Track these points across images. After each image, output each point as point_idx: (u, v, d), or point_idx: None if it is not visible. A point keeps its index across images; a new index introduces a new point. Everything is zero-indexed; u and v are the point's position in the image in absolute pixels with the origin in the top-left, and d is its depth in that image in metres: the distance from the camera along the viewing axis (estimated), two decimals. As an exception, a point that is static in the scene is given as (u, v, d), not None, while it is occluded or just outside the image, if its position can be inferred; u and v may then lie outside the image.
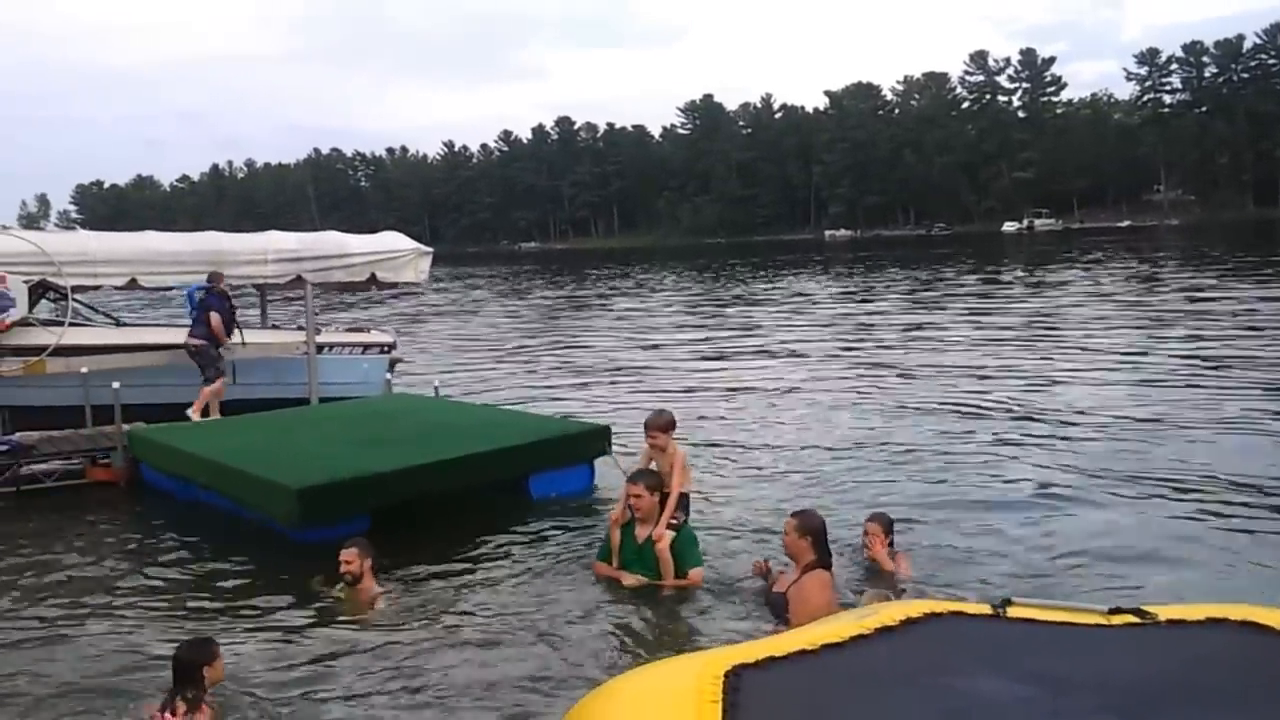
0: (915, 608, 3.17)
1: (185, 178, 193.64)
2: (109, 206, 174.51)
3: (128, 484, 9.93)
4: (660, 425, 7.02)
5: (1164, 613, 3.13)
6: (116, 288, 12.44)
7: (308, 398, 11.78)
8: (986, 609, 3.17)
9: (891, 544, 6.68)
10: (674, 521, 6.72)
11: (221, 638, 5.49)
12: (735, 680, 2.67)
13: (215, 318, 11.28)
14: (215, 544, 7.92)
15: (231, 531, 8.18)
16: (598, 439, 9.31)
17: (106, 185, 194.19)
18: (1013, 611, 3.14)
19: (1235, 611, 3.11)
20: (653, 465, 7.13)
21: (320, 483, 7.70)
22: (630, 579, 6.58)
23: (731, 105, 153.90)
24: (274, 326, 14.11)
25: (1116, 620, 3.09)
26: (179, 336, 11.60)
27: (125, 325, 12.98)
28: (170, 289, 12.88)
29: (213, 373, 11.27)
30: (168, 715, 4.61)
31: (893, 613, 3.13)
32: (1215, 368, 15.17)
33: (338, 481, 7.77)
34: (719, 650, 3.11)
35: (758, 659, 2.82)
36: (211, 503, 8.73)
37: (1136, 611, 3.12)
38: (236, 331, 11.66)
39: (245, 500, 8.23)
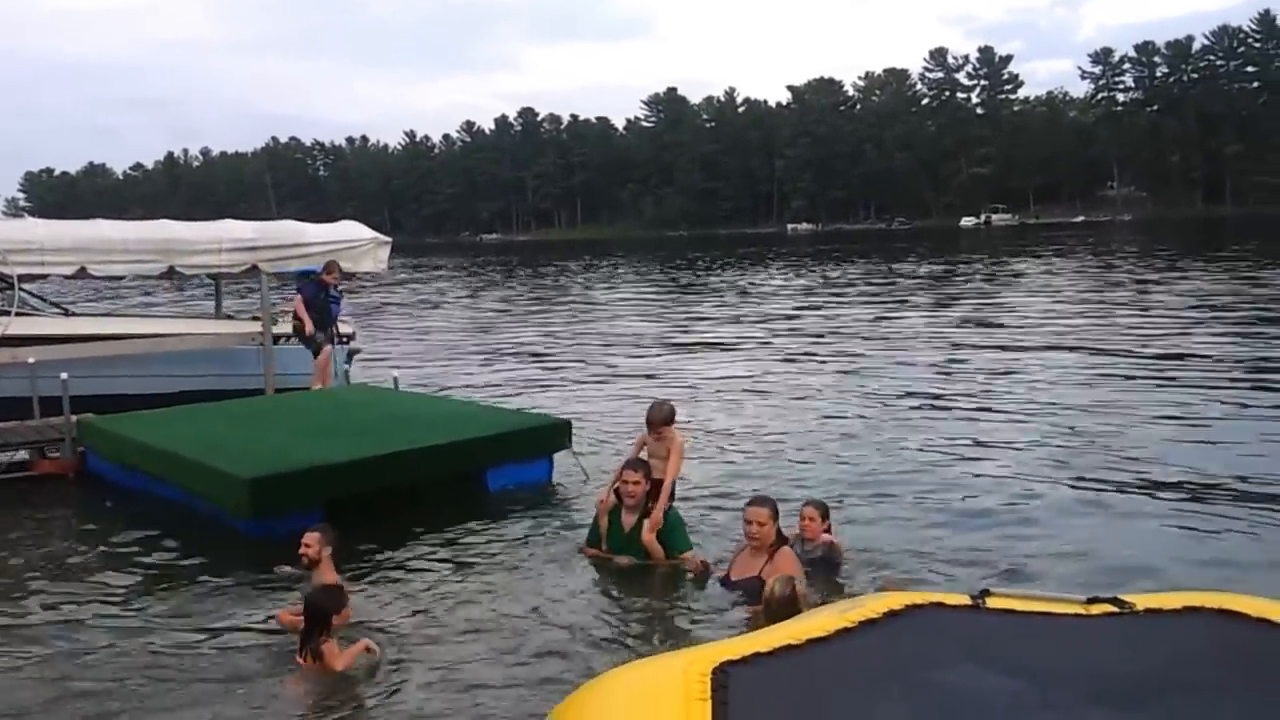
0: (896, 600, 3.17)
1: (139, 166, 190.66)
2: (58, 194, 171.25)
3: (77, 476, 9.72)
4: (662, 419, 7.06)
5: (1141, 602, 3.14)
6: (65, 277, 12.18)
7: (263, 389, 11.61)
8: (966, 600, 3.18)
9: (829, 529, 6.71)
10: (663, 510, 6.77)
11: (171, 631, 5.39)
12: (722, 677, 2.65)
13: (299, 300, 11.79)
14: (165, 539, 7.75)
15: (182, 525, 8.00)
16: (558, 433, 9.25)
17: (57, 173, 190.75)
18: (992, 602, 3.15)
19: (1211, 600, 3.15)
20: (643, 453, 7.13)
21: (272, 473, 7.59)
22: (623, 559, 6.66)
23: (695, 98, 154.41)
24: (229, 316, 13.90)
25: (1095, 610, 3.11)
26: (130, 327, 11.39)
27: (75, 315, 12.72)
28: (120, 278, 12.64)
29: (313, 348, 11.74)
30: (312, 659, 5.19)
31: (875, 605, 3.12)
32: (1169, 358, 15.42)
33: (290, 472, 7.66)
34: (704, 647, 3.09)
35: (744, 655, 2.80)
36: (162, 495, 8.57)
37: (1114, 601, 3.14)
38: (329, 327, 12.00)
39: (196, 491, 8.09)
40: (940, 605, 3.15)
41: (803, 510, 6.74)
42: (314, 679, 5.22)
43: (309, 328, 11.78)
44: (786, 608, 4.88)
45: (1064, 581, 6.20)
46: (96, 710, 4.97)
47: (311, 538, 6.31)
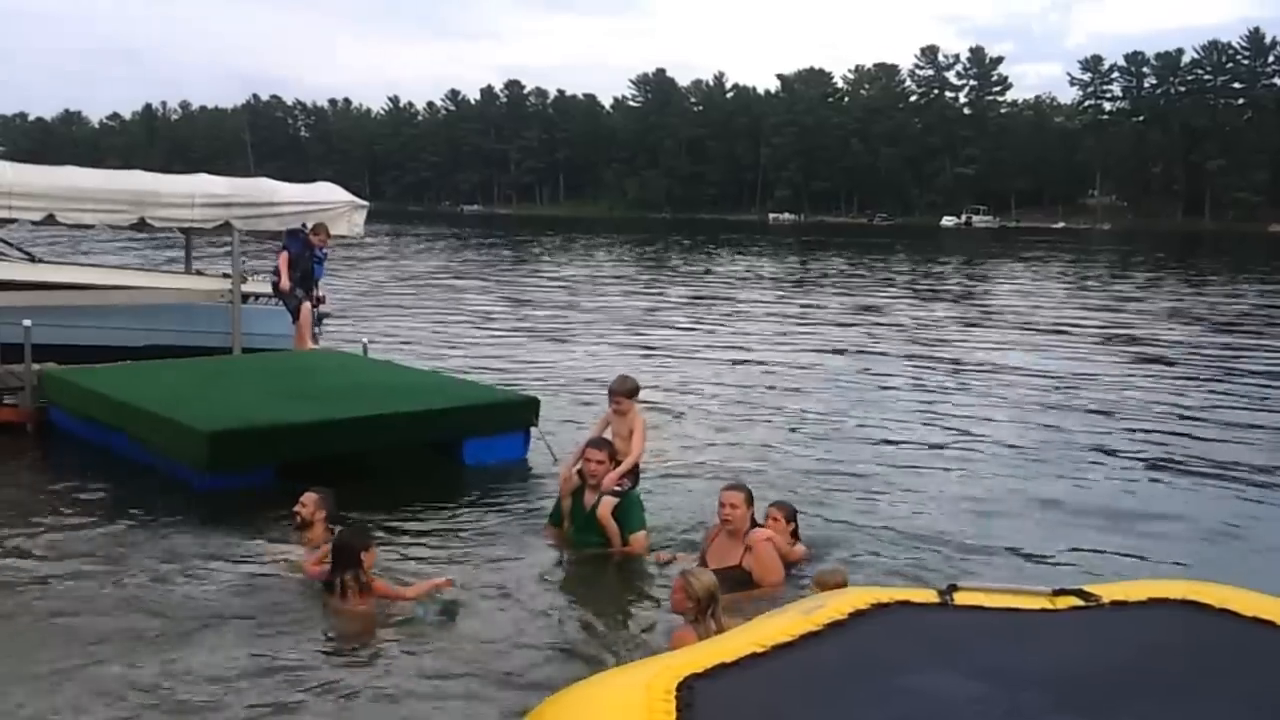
0: (861, 598, 3.10)
1: (116, 116, 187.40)
2: (33, 140, 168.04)
3: (35, 426, 9.57)
4: (625, 391, 7.01)
5: (1106, 593, 3.14)
6: (33, 223, 11.94)
7: (230, 347, 11.46)
8: (933, 596, 3.14)
9: (795, 533, 6.61)
10: (619, 487, 6.68)
11: (124, 587, 5.28)
12: (688, 694, 2.54)
13: (283, 256, 11.65)
14: (119, 493, 7.64)
15: (139, 481, 7.90)
16: (526, 410, 9.18)
17: (31, 118, 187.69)
18: (959, 598, 3.11)
19: (1174, 589, 3.16)
20: (608, 431, 7.05)
21: (232, 428, 7.54)
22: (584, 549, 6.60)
23: (684, 81, 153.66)
24: (198, 272, 13.71)
25: (1061, 603, 3.09)
26: (97, 277, 11.19)
27: (41, 262, 12.50)
28: (89, 227, 12.41)
29: (290, 306, 11.66)
30: (344, 598, 5.29)
31: (840, 605, 3.05)
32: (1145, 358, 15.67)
33: (251, 428, 7.60)
34: (665, 658, 2.99)
35: (707, 668, 2.69)
36: (120, 449, 8.45)
37: (1079, 593, 3.13)
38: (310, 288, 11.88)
39: (154, 444, 8.00)
40: (907, 604, 3.10)
41: (769, 510, 6.64)
42: (348, 616, 5.35)
43: (284, 283, 11.63)
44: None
45: (1027, 570, 6.39)
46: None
47: (309, 499, 6.28)
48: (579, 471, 6.79)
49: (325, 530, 6.21)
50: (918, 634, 2.92)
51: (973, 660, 2.76)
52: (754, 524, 6.21)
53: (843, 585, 5.32)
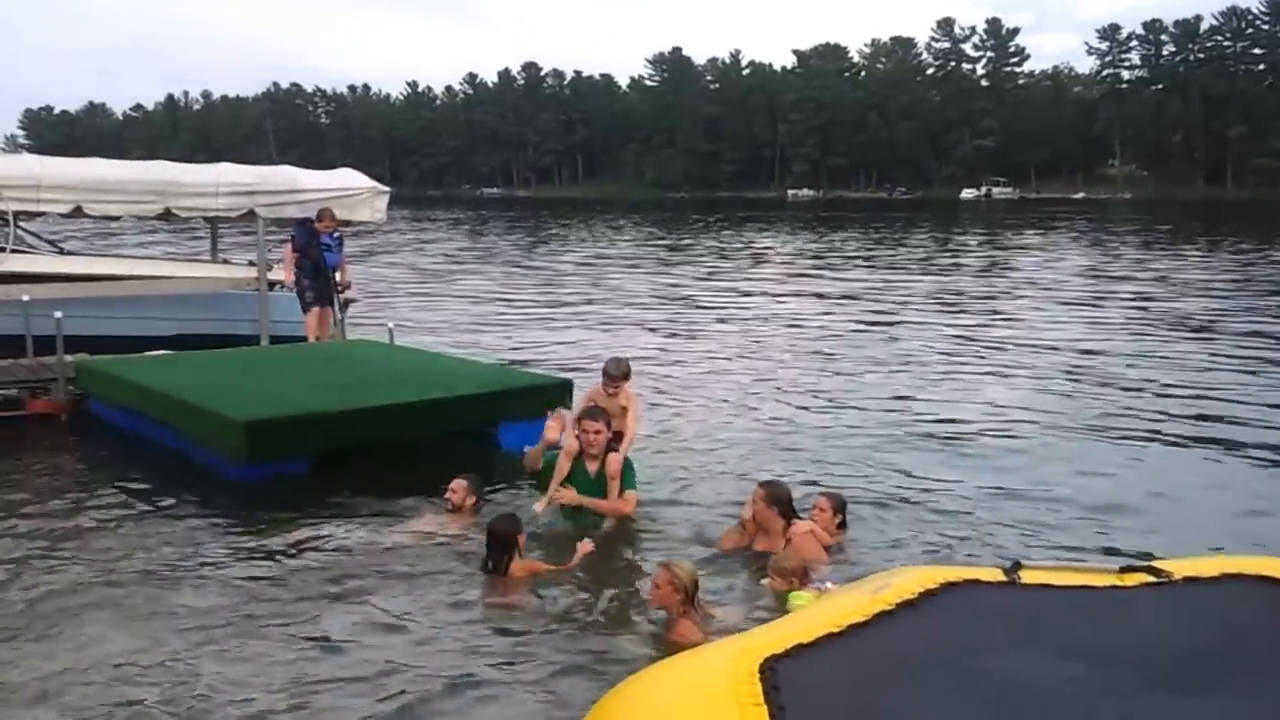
0: (929, 577, 3.03)
1: (139, 107, 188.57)
2: (59, 133, 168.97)
3: (69, 417, 9.74)
4: (621, 374, 7.24)
5: (1177, 569, 3.04)
6: (61, 215, 12.09)
7: (257, 335, 11.59)
8: (999, 575, 3.06)
9: (842, 524, 6.53)
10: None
11: (159, 581, 5.41)
12: (772, 676, 2.49)
13: (287, 248, 11.54)
14: (155, 483, 7.76)
15: (175, 470, 8.04)
16: (559, 393, 9.19)
17: (57, 111, 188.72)
18: (1026, 576, 3.04)
19: (1247, 565, 3.07)
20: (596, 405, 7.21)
21: (269, 417, 7.61)
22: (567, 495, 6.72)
23: (700, 59, 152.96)
24: (224, 261, 13.84)
25: (1130, 580, 3.01)
26: (125, 268, 11.31)
27: (70, 254, 12.67)
28: (116, 218, 12.56)
29: (302, 304, 11.49)
30: (506, 573, 5.73)
31: (908, 584, 2.98)
32: (1170, 327, 15.63)
33: (288, 417, 7.67)
34: (742, 639, 2.95)
35: (787, 648, 2.63)
36: (156, 438, 8.60)
37: (1149, 570, 3.04)
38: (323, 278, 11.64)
39: (191, 433, 8.10)
40: (975, 582, 3.01)
41: (816, 500, 6.58)
42: (506, 591, 5.71)
43: (287, 276, 11.61)
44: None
45: (1085, 541, 6.42)
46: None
47: (459, 485, 6.76)
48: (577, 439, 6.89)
49: (473, 513, 6.69)
50: (991, 613, 2.87)
51: (1053, 639, 2.71)
52: (795, 516, 6.15)
53: (802, 572, 5.39)
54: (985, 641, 2.71)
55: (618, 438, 7.09)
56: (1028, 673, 2.55)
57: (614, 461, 6.80)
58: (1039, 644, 2.67)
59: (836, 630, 2.72)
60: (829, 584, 5.20)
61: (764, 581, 5.52)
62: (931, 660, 2.63)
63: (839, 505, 6.56)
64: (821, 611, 3.03)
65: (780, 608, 5.07)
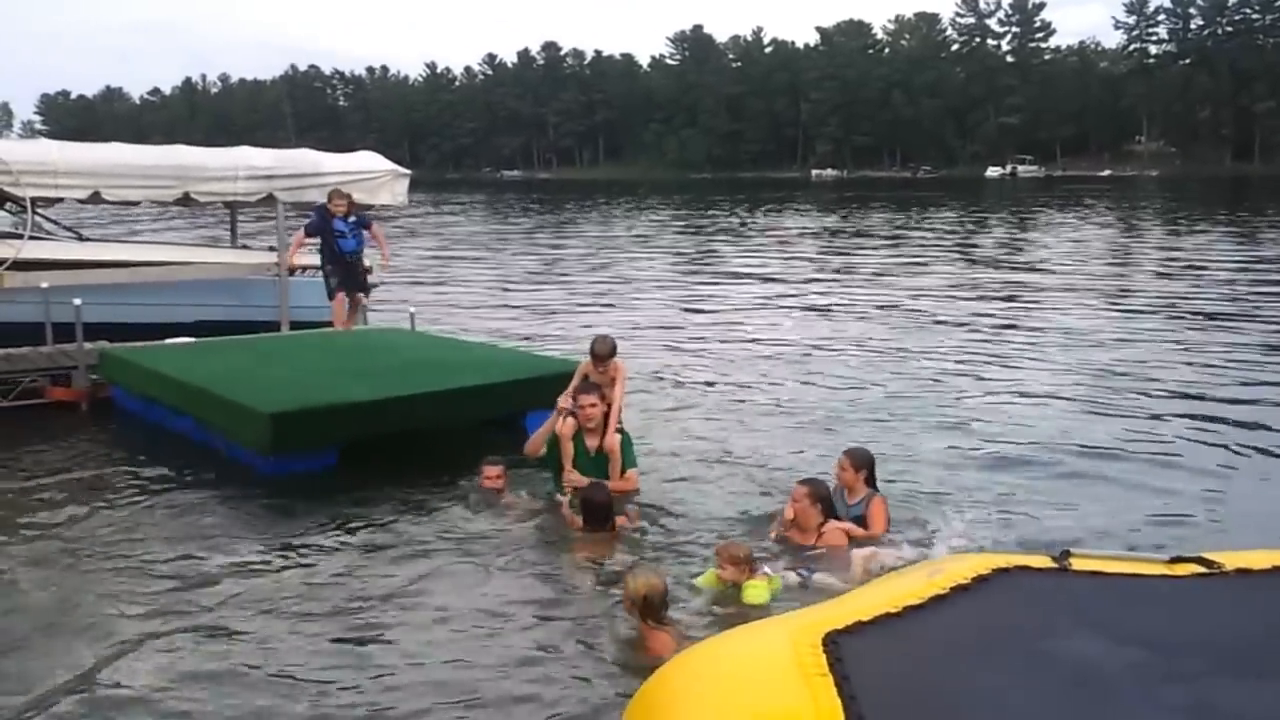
0: (981, 563, 3.07)
1: (156, 91, 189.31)
2: (76, 118, 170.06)
3: (89, 404, 9.65)
4: (606, 353, 7.35)
5: (1228, 561, 3.03)
6: (79, 201, 12.01)
7: (278, 321, 11.47)
8: (1048, 562, 3.08)
9: (869, 480, 6.28)
10: (617, 429, 7.14)
11: (182, 569, 5.28)
12: (835, 649, 2.52)
13: (298, 234, 11.39)
14: (177, 475, 7.64)
15: (198, 460, 7.90)
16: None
17: (74, 96, 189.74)
18: (1076, 564, 3.05)
19: None
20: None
21: (295, 408, 7.43)
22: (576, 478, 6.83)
23: (721, 37, 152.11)
24: (244, 246, 13.74)
25: (1181, 570, 3.00)
26: (144, 254, 11.20)
27: (89, 240, 12.58)
28: (135, 204, 12.44)
29: (328, 290, 11.18)
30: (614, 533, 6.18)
31: (961, 569, 3.01)
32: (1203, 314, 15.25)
33: (314, 408, 7.50)
34: (801, 615, 2.98)
35: (847, 624, 2.68)
36: (179, 429, 8.47)
37: (1200, 560, 3.02)
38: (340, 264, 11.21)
39: (215, 424, 7.95)
40: (1026, 568, 3.04)
41: (839, 459, 6.38)
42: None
43: (291, 259, 11.51)
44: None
45: (1130, 532, 6.33)
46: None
47: (494, 470, 6.87)
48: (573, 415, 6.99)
49: (508, 494, 6.87)
50: (1044, 599, 2.89)
51: (1105, 626, 2.71)
52: (834, 515, 6.10)
53: (747, 558, 5.28)
54: (1039, 626, 2.73)
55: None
56: (1086, 656, 2.56)
57: (612, 440, 7.01)
58: (1092, 629, 2.69)
59: (894, 610, 2.77)
60: (768, 570, 5.34)
61: (711, 570, 5.37)
62: (988, 642, 2.67)
63: (860, 462, 6.29)
64: (878, 592, 3.10)
65: (735, 599, 5.16)
